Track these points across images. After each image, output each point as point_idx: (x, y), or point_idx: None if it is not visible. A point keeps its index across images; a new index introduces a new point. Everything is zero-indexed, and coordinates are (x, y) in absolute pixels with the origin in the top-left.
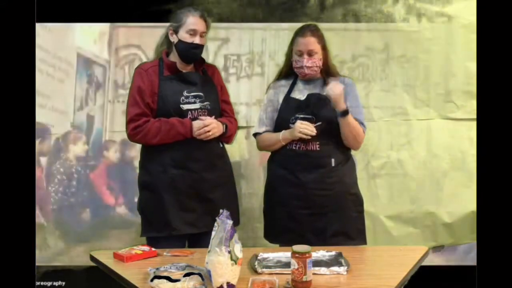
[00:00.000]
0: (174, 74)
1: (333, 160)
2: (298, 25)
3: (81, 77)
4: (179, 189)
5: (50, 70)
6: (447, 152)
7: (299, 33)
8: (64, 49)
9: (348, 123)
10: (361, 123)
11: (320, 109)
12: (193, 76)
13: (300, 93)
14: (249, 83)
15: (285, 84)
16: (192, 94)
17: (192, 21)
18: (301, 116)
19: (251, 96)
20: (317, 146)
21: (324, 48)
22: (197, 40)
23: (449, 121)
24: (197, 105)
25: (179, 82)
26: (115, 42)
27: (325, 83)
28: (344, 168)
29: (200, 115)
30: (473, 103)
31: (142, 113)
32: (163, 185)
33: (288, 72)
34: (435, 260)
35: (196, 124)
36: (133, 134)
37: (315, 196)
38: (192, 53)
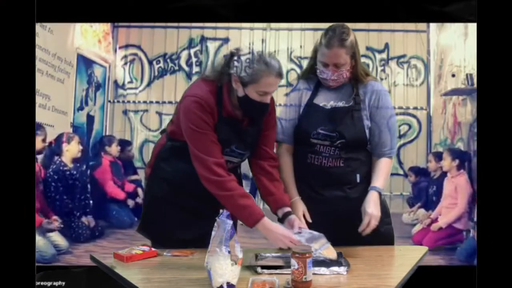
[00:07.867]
0: (232, 119)
1: (358, 175)
2: (297, 25)
3: (81, 77)
4: (186, 209)
5: (50, 70)
6: None
7: (324, 41)
8: (64, 49)
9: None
10: (389, 155)
11: (345, 126)
12: (249, 133)
13: (325, 100)
14: None
15: (308, 87)
16: (239, 151)
17: (267, 82)
18: (323, 132)
19: None
20: (341, 162)
21: (354, 56)
22: (267, 99)
23: None
24: (236, 160)
25: (233, 133)
26: (115, 42)
27: (353, 89)
28: (369, 180)
29: (235, 166)
30: None
31: (221, 163)
32: (172, 206)
33: (312, 73)
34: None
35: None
36: (214, 180)
37: (338, 212)
38: (258, 112)
